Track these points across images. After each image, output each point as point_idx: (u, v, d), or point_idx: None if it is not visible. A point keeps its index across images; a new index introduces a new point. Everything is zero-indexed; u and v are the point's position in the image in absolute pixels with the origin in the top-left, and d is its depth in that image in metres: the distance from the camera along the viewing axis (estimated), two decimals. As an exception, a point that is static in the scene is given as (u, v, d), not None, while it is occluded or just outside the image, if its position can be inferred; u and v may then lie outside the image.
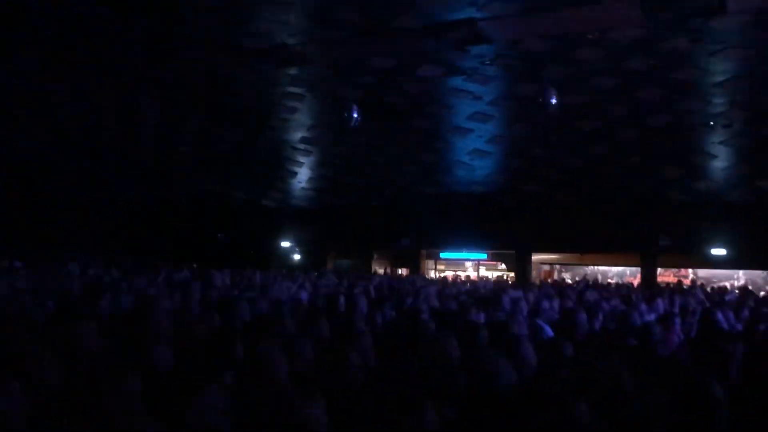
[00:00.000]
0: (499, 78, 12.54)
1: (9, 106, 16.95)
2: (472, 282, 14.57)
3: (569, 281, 18.85)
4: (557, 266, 21.98)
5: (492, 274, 21.60)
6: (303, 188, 21.11)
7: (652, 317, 5.85)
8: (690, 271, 19.55)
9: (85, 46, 12.35)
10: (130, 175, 22.64)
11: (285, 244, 22.95)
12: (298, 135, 17.14)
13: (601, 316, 5.97)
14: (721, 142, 13.84)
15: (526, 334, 5.09)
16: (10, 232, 19.15)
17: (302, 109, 15.39)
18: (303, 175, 20.01)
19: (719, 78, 11.37)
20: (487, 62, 11.88)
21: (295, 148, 17.86)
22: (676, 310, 7.14)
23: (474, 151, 16.49)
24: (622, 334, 5.07)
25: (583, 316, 5.41)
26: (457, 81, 12.83)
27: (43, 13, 10.85)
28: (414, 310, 6.43)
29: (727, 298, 11.07)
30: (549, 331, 5.61)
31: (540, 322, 5.69)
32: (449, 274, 21.10)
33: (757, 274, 18.46)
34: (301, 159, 18.62)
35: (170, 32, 11.43)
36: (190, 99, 15.53)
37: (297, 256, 23.25)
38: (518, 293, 8.43)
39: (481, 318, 5.99)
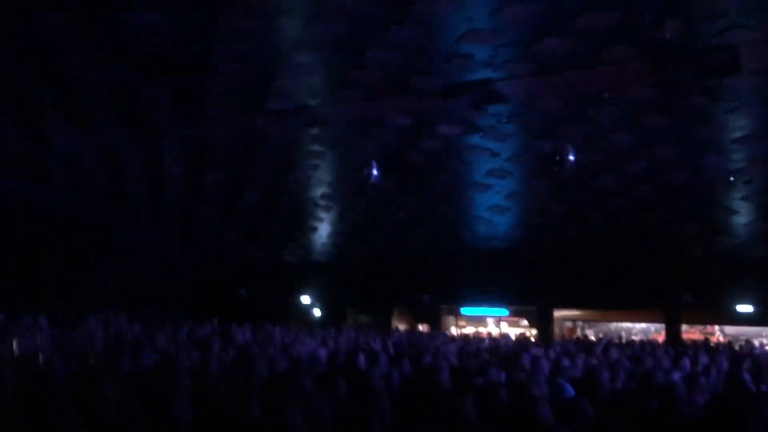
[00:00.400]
0: (516, 135, 12.70)
1: (38, 163, 17.48)
2: (493, 339, 14.43)
3: (592, 338, 18.55)
4: (580, 323, 21.67)
5: (514, 331, 21.34)
6: (323, 244, 21.26)
7: (676, 376, 5.75)
8: (717, 327, 19.15)
9: (115, 107, 12.78)
10: (154, 231, 23.03)
11: (305, 299, 22.97)
12: (319, 191, 17.39)
13: (622, 375, 5.89)
14: (742, 198, 13.77)
15: (546, 395, 5.04)
16: (34, 287, 19.43)
17: (323, 166, 15.67)
18: (323, 231, 20.20)
19: (737, 134, 11.41)
20: (504, 120, 12.08)
21: (317, 204, 18.09)
22: (700, 368, 7.02)
23: (493, 206, 16.57)
24: (644, 393, 5.00)
25: (606, 374, 5.35)
26: (475, 138, 13.02)
27: (73, 76, 11.29)
28: (433, 368, 6.39)
29: (757, 352, 10.83)
30: (570, 391, 5.54)
31: (561, 381, 5.63)
32: (470, 330, 20.89)
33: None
34: (322, 215, 18.83)
35: (197, 92, 11.82)
36: (214, 157, 15.90)
37: (317, 312, 23.23)
38: (539, 351, 8.34)
39: (502, 377, 5.94)
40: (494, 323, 22.21)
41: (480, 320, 22.41)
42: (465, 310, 21.92)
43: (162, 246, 23.87)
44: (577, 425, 4.15)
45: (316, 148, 14.48)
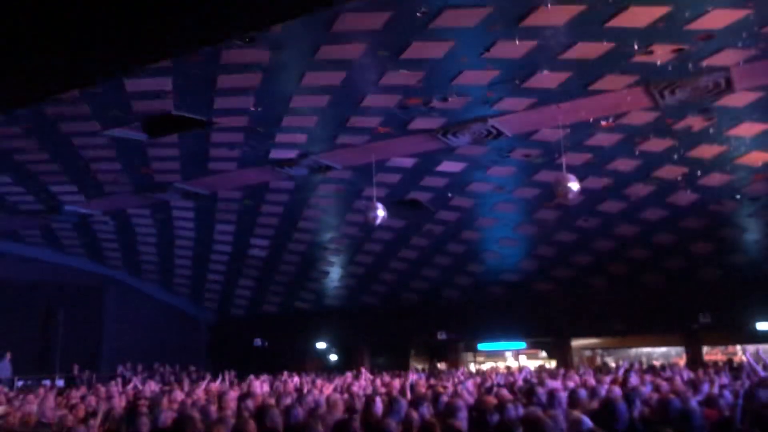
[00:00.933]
0: (519, 167, 12.82)
1: (51, 228, 17.77)
2: (511, 373, 14.28)
3: (612, 365, 18.31)
4: (599, 351, 21.40)
5: (533, 363, 21.10)
6: (335, 287, 21.29)
7: (694, 402, 5.70)
8: (738, 347, 18.84)
9: (123, 169, 13.05)
10: (166, 288, 23.20)
11: (320, 345, 22.88)
12: (327, 236, 17.51)
13: (638, 402, 5.84)
14: (750, 215, 13.74)
15: (563, 429, 5.01)
16: (50, 351, 19.53)
17: (330, 210, 15.82)
18: (335, 274, 20.24)
19: (740, 152, 11.47)
20: (506, 154, 12.23)
21: (326, 248, 18.19)
22: (717, 390, 6.94)
23: (502, 239, 16.62)
24: (662, 421, 4.97)
25: (623, 405, 5.31)
26: (479, 173, 13.15)
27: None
28: (451, 407, 6.36)
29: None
30: (588, 423, 5.49)
31: (578, 414, 5.58)
32: (489, 365, 20.68)
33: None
34: (332, 258, 18.91)
35: (202, 150, 12.07)
36: (224, 211, 16.13)
37: (333, 357, 23.12)
38: (556, 383, 8.27)
39: (518, 413, 5.90)
40: (513, 356, 21.99)
41: (498, 354, 22.19)
42: (482, 346, 21.74)
43: (175, 302, 24.02)
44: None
45: (321, 193, 14.66)
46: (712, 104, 9.84)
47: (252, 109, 10.18)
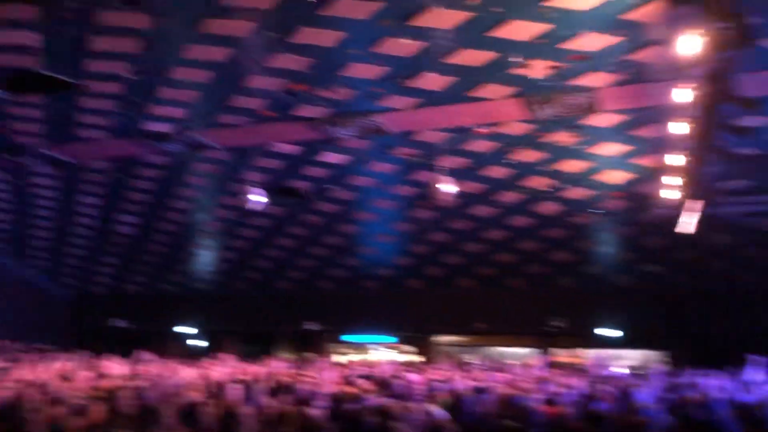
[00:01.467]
0: (400, 165, 13.04)
1: None
2: (375, 365, 14.53)
3: (472, 362, 19.05)
4: (461, 348, 22.19)
5: (400, 358, 21.53)
6: (206, 271, 20.67)
7: (534, 399, 6.05)
8: (585, 352, 20.18)
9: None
10: (21, 258, 21.56)
11: (186, 329, 22.15)
12: (201, 217, 16.96)
13: (487, 399, 6.12)
14: (605, 229, 14.76)
15: (418, 418, 5.17)
16: None
17: (205, 191, 15.33)
18: (206, 258, 19.64)
19: (600, 169, 12.28)
20: (388, 150, 12.39)
21: (199, 230, 17.62)
22: (561, 389, 7.43)
23: (379, 234, 16.83)
24: (504, 416, 5.25)
25: (472, 399, 5.55)
26: (361, 167, 13.24)
27: None
28: (308, 396, 6.38)
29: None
30: (440, 414, 5.69)
31: (430, 406, 5.78)
32: (355, 358, 20.89)
33: (647, 354, 19.32)
34: (205, 242, 18.34)
35: (70, 115, 11.31)
36: (91, 183, 15.21)
37: (200, 342, 22.43)
38: (416, 376, 8.51)
39: (374, 402, 6.02)
40: (380, 350, 22.32)
41: (365, 347, 22.45)
42: (350, 338, 21.92)
43: (29, 275, 22.36)
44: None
45: (198, 172, 14.17)
46: (579, 122, 10.47)
47: (128, 76, 9.66)
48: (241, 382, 7.37)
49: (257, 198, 12.30)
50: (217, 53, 8.95)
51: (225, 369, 10.39)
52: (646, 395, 7.01)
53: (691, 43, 5.69)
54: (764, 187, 11.73)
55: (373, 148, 12.25)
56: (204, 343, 22.28)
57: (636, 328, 17.42)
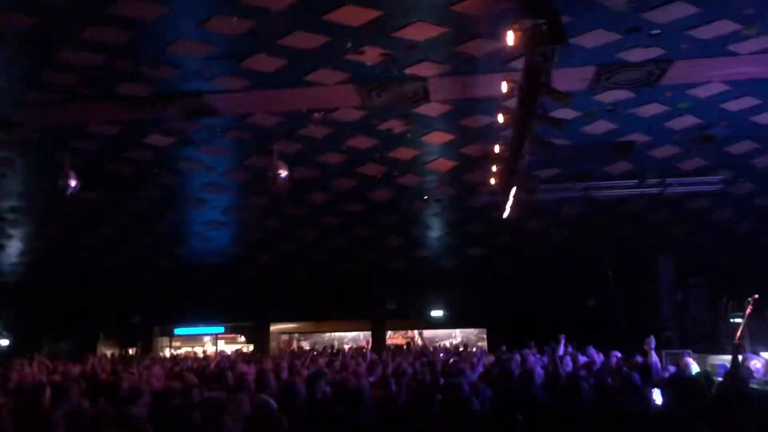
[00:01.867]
0: (232, 149, 12.63)
1: None
2: (204, 358, 14.08)
3: (307, 349, 19.14)
4: (296, 335, 22.21)
5: (231, 348, 21.05)
6: (12, 263, 18.73)
7: (366, 383, 6.14)
8: (416, 332, 21.06)
9: None
10: None
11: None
12: (6, 204, 15.28)
13: (322, 384, 6.09)
14: (434, 215, 15.42)
15: (247, 411, 5.01)
16: None
17: (12, 175, 13.82)
18: (13, 249, 17.79)
19: (431, 157, 12.75)
20: (219, 134, 11.92)
21: (3, 219, 15.88)
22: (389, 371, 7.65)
23: (209, 222, 16.22)
24: (338, 402, 5.26)
25: (302, 387, 5.50)
26: (189, 151, 12.63)
27: None
28: (131, 393, 5.95)
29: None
30: (273, 405, 5.57)
31: (264, 397, 5.64)
32: (184, 350, 20.11)
33: (470, 332, 20.56)
34: (10, 230, 16.58)
35: None
36: None
37: (4, 341, 20.26)
38: (247, 367, 8.30)
39: (203, 396, 5.76)
40: (211, 341, 21.67)
41: (196, 339, 21.68)
42: (179, 330, 21.04)
43: None
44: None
45: (2, 154, 12.72)
46: (410, 110, 10.76)
47: None
48: (52, 383, 6.71)
49: (72, 182, 11.26)
50: (23, 21, 8.02)
51: (32, 369, 9.45)
52: (468, 372, 7.40)
53: (511, 37, 5.99)
54: (574, 176, 12.86)
55: (203, 131, 11.72)
56: (7, 341, 20.10)
57: (460, 308, 18.46)
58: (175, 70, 9.40)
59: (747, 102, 10.51)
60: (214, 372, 8.34)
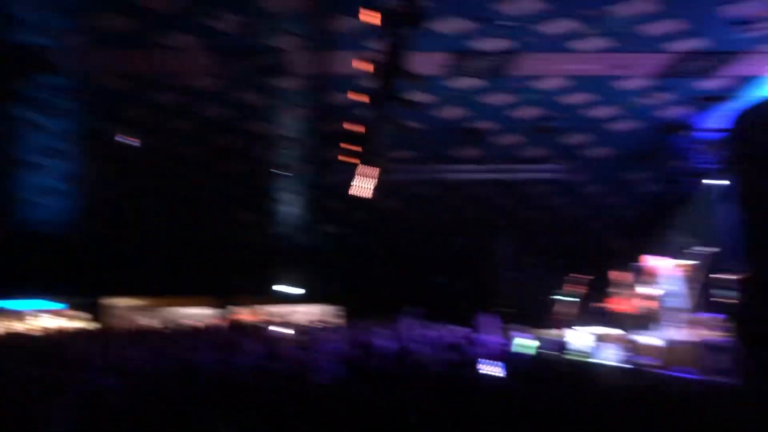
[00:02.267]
0: (73, 112, 11.71)
1: None
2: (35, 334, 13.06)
3: (154, 325, 18.30)
4: (139, 311, 21.14)
5: (71, 324, 19.60)
6: None
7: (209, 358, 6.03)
8: (264, 307, 20.71)
9: None
10: None
11: None
12: None
13: (162, 363, 5.91)
14: (288, 190, 15.26)
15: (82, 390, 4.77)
16: None
17: None
18: None
19: (290, 132, 12.57)
20: (60, 94, 10.99)
21: None
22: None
23: (46, 189, 14.93)
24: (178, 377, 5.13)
25: (146, 366, 5.31)
26: (21, 110, 11.55)
27: None
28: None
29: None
30: (108, 383, 5.33)
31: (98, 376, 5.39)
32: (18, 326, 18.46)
33: (325, 308, 20.66)
34: None
35: None
36: None
37: None
38: (89, 344, 7.84)
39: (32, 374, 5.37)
40: (50, 317, 20.01)
41: (24, 315, 19.94)
42: (5, 304, 19.23)
43: None
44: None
45: None
46: (268, 83, 10.51)
47: None
48: None
49: None
50: None
51: None
52: (324, 348, 7.44)
53: (369, 18, 6.03)
54: (427, 158, 13.27)
55: (40, 89, 10.76)
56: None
57: (315, 285, 18.48)
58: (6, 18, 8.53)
59: (582, 97, 11.39)
60: (42, 350, 7.78)
